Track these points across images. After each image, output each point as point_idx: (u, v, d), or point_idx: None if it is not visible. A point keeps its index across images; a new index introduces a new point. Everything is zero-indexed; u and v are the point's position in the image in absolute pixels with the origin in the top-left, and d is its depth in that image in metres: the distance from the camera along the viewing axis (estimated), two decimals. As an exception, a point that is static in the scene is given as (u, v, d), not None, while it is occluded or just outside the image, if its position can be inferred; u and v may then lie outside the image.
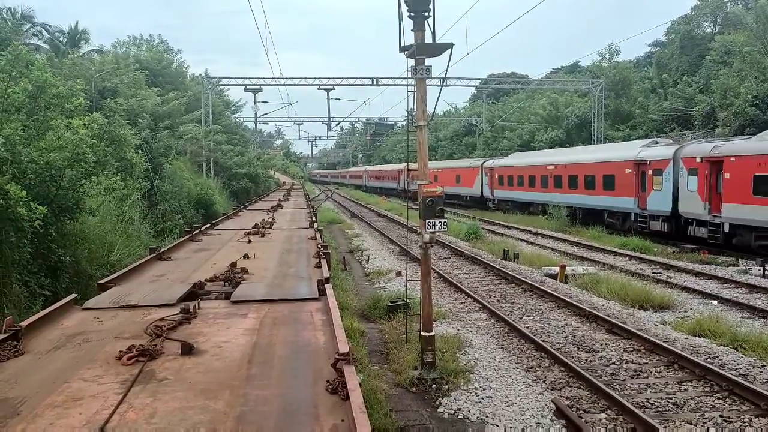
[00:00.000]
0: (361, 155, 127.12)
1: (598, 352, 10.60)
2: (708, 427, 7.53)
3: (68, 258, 11.13)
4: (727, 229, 20.06)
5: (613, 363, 10.00)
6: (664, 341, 10.70)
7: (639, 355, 10.34)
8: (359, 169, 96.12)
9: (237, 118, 60.84)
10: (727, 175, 20.03)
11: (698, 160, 21.34)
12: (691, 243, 21.80)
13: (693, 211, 21.63)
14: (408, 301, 12.53)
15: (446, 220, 9.23)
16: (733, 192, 19.64)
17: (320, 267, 7.58)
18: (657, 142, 26.45)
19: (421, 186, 9.19)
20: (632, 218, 25.45)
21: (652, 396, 8.56)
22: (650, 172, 24.10)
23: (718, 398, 8.43)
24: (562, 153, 34.96)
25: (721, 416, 7.82)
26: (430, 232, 9.10)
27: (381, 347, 11.24)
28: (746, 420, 7.72)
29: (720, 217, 20.20)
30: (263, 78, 43.04)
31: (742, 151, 19.78)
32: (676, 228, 23.01)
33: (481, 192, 43.24)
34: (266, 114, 60.30)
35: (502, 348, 11.03)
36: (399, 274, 17.73)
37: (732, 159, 19.89)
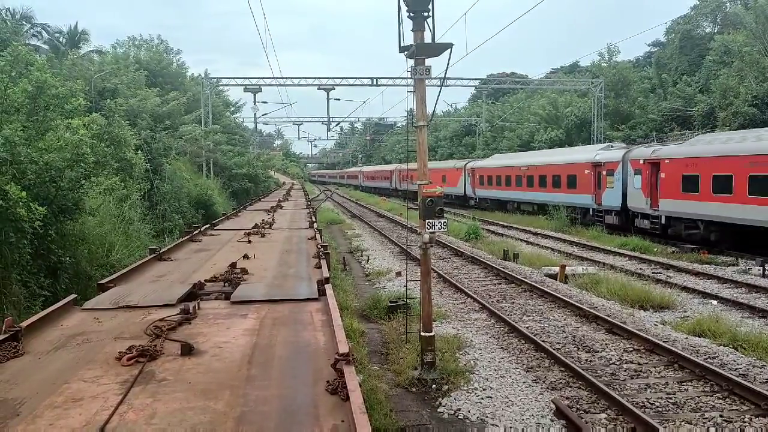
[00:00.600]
0: (360, 155, 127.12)
1: (598, 352, 10.60)
2: (708, 427, 7.53)
3: (68, 258, 11.13)
4: (663, 221, 23.18)
5: (613, 363, 10.00)
6: (664, 341, 10.70)
7: (639, 355, 10.34)
8: (355, 169, 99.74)
9: (237, 118, 60.89)
10: (663, 175, 23.04)
11: (641, 162, 24.47)
12: (637, 234, 24.22)
13: (638, 206, 24.75)
14: (408, 301, 12.53)
15: (446, 221, 9.23)
16: (668, 189, 22.74)
17: (320, 267, 7.57)
18: (612, 147, 29.62)
19: (421, 186, 9.18)
20: (590, 213, 28.46)
21: (652, 396, 8.56)
22: (604, 172, 27.21)
23: (718, 398, 8.43)
24: (533, 155, 38.30)
25: (721, 416, 7.82)
26: (430, 233, 9.10)
27: (381, 347, 11.24)
28: (746, 420, 7.73)
29: (658, 210, 23.37)
30: (263, 78, 43.03)
31: (674, 155, 22.88)
32: (626, 221, 25.88)
33: (464, 191, 46.06)
34: (266, 114, 60.55)
35: (502, 348, 11.03)
36: (399, 274, 17.73)
37: (666, 161, 23.03)
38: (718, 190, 20.24)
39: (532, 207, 34.32)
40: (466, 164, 46.66)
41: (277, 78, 41.26)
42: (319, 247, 9.15)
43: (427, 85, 9.34)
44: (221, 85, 46.82)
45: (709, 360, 9.83)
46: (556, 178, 31.55)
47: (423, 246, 9.35)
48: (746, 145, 19.69)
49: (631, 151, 26.33)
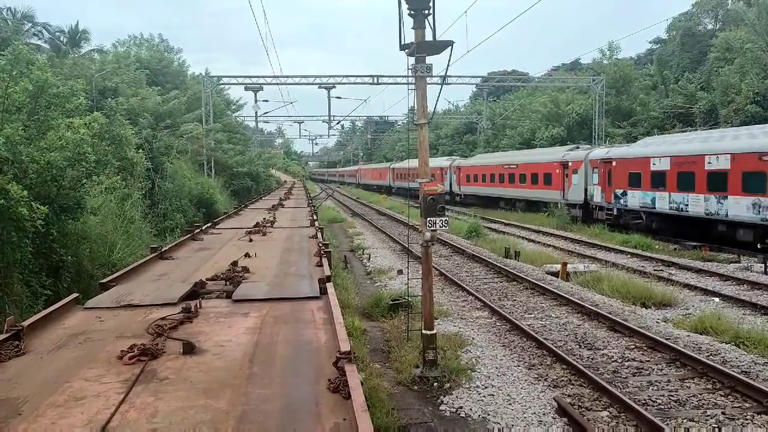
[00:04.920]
0: (362, 154, 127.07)
1: (600, 349, 10.60)
2: (710, 425, 7.53)
3: (70, 257, 11.14)
4: (615, 212, 26.87)
5: (615, 361, 9.99)
6: (665, 339, 10.69)
7: (641, 352, 10.34)
8: (354, 168, 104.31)
9: (238, 117, 60.82)
10: (614, 173, 26.83)
11: (598, 161, 28.19)
12: (596, 223, 27.82)
13: (596, 200, 28.59)
14: (409, 299, 12.53)
15: (447, 219, 9.22)
16: (618, 185, 26.48)
17: (321, 265, 7.57)
18: (578, 147, 33.28)
19: (422, 184, 9.17)
20: (559, 207, 31.38)
21: (654, 393, 8.56)
22: (570, 171, 31.04)
23: (721, 395, 8.43)
24: (513, 155, 41.99)
25: (723, 413, 7.82)
26: (431, 231, 9.10)
27: (382, 345, 11.24)
28: (749, 417, 7.72)
29: (611, 203, 27.05)
30: (264, 77, 43.01)
31: (622, 155, 26.69)
32: (587, 213, 29.53)
33: (450, 188, 48.59)
34: (267, 113, 60.21)
35: (503, 346, 11.03)
36: (400, 272, 17.73)
37: (616, 161, 26.75)
38: (656, 185, 23.84)
39: (511, 202, 38.19)
40: (451, 163, 49.84)
41: (278, 76, 41.26)
42: (321, 245, 9.14)
43: (428, 83, 9.32)
44: (222, 84, 46.77)
45: (711, 357, 9.83)
46: (533, 176, 35.04)
47: (424, 244, 9.35)
48: (675, 147, 23.56)
49: (591, 151, 30.17)
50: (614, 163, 26.78)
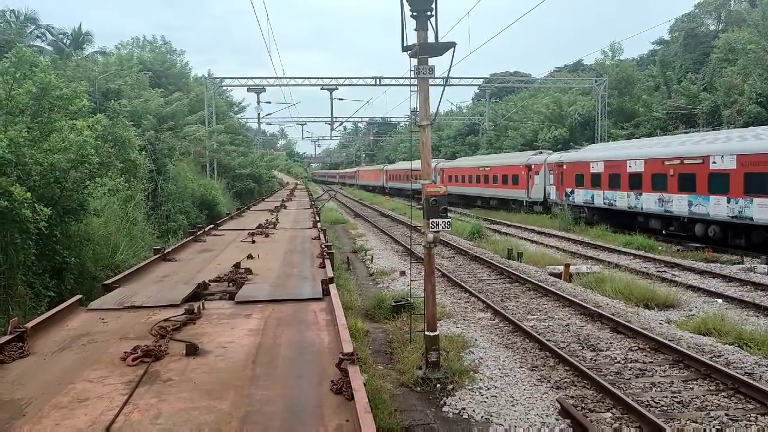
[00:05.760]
0: (364, 155, 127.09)
1: (603, 351, 10.58)
2: (713, 426, 7.51)
3: (73, 259, 11.15)
4: (566, 207, 31.24)
5: (618, 362, 9.97)
6: (669, 340, 10.67)
7: (644, 353, 10.31)
8: (352, 170, 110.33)
9: (240, 118, 60.92)
10: (565, 174, 31.57)
11: (554, 165, 33.02)
12: (554, 217, 31.86)
13: (552, 197, 33.43)
14: (412, 300, 12.53)
15: (450, 220, 9.21)
16: (568, 185, 31.27)
17: (324, 267, 7.58)
18: (540, 152, 37.93)
19: (425, 186, 9.17)
20: (524, 204, 36.67)
21: (657, 395, 8.54)
22: (533, 173, 35.64)
23: (724, 397, 8.40)
24: (489, 159, 46.51)
25: (726, 415, 7.80)
26: (434, 232, 9.09)
27: (385, 347, 11.24)
28: (752, 419, 7.70)
29: (563, 200, 31.82)
30: (266, 78, 43.08)
31: (571, 160, 31.44)
32: (546, 209, 34.05)
33: None
34: (269, 114, 60.37)
35: (506, 347, 11.01)
36: (403, 273, 17.72)
37: (567, 165, 31.46)
38: (594, 184, 28.67)
39: (487, 200, 42.94)
40: (436, 165, 52.04)
41: (281, 78, 41.32)
42: (323, 246, 9.15)
43: (431, 85, 9.32)
44: (225, 86, 46.91)
45: (714, 359, 9.80)
46: (504, 177, 39.70)
47: (427, 245, 9.34)
48: (608, 154, 28.77)
49: (549, 156, 34.88)
50: (565, 167, 31.44)
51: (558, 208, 32.24)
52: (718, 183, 20.76)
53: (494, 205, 40.96)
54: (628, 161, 26.11)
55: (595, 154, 29.55)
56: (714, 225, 21.35)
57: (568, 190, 31.05)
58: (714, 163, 21.07)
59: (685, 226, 22.67)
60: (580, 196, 29.92)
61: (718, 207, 20.72)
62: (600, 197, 28.17)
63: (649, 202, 24.44)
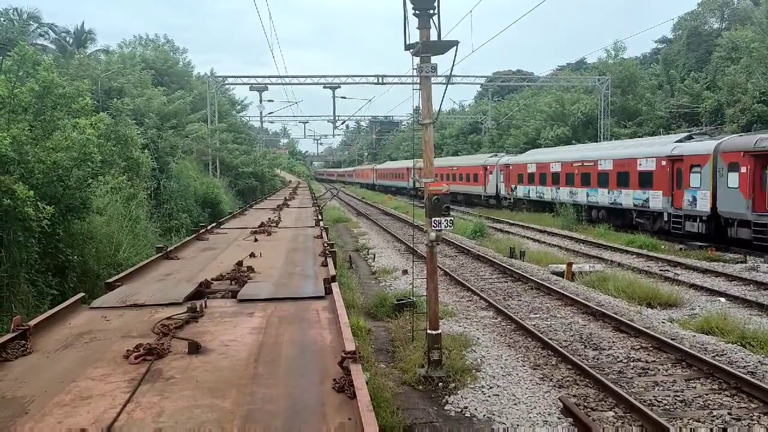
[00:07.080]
0: (366, 153, 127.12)
1: (605, 350, 10.57)
2: (716, 425, 7.49)
3: (75, 257, 11.16)
4: (512, 200, 39.03)
5: (621, 361, 9.96)
6: (671, 339, 10.65)
7: (646, 352, 10.30)
8: (351, 169, 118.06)
9: (243, 117, 60.94)
10: (511, 174, 39.39)
11: (503, 165, 40.72)
12: (505, 208, 39.39)
13: (502, 193, 41.13)
14: (414, 299, 12.52)
15: (452, 219, 9.21)
16: (513, 182, 39.17)
17: (326, 265, 7.57)
18: (496, 155, 45.25)
19: (427, 184, 9.16)
20: (482, 198, 44.42)
21: (659, 394, 8.53)
22: (489, 172, 42.90)
23: (726, 396, 8.39)
24: (457, 160, 54.44)
25: (729, 414, 7.78)
26: (436, 231, 9.08)
27: (387, 345, 11.24)
28: (755, 418, 7.69)
29: (510, 195, 39.56)
30: (268, 77, 43.06)
31: (515, 162, 39.49)
32: (499, 200, 41.41)
33: (414, 184, 55.42)
34: (272, 113, 60.43)
35: (508, 346, 11.01)
36: (405, 272, 17.71)
37: (512, 165, 39.48)
38: (530, 181, 36.33)
39: (456, 196, 47.36)
40: (414, 164, 55.51)
41: (283, 77, 41.33)
42: (326, 245, 9.15)
43: (433, 83, 9.31)
44: (227, 84, 46.88)
45: (717, 358, 9.79)
46: (467, 176, 46.80)
47: (429, 244, 9.34)
48: (538, 157, 36.53)
49: (501, 158, 42.34)
50: (511, 167, 39.43)
51: (506, 201, 40.22)
52: (603, 179, 28.55)
53: (461, 199, 47.79)
54: (551, 163, 33.77)
55: (532, 158, 37.44)
56: (602, 210, 28.98)
57: (513, 186, 38.97)
58: (600, 165, 28.90)
59: (587, 211, 29.77)
60: (521, 190, 37.83)
61: (603, 196, 28.63)
62: (534, 191, 36.13)
63: (563, 194, 32.43)
